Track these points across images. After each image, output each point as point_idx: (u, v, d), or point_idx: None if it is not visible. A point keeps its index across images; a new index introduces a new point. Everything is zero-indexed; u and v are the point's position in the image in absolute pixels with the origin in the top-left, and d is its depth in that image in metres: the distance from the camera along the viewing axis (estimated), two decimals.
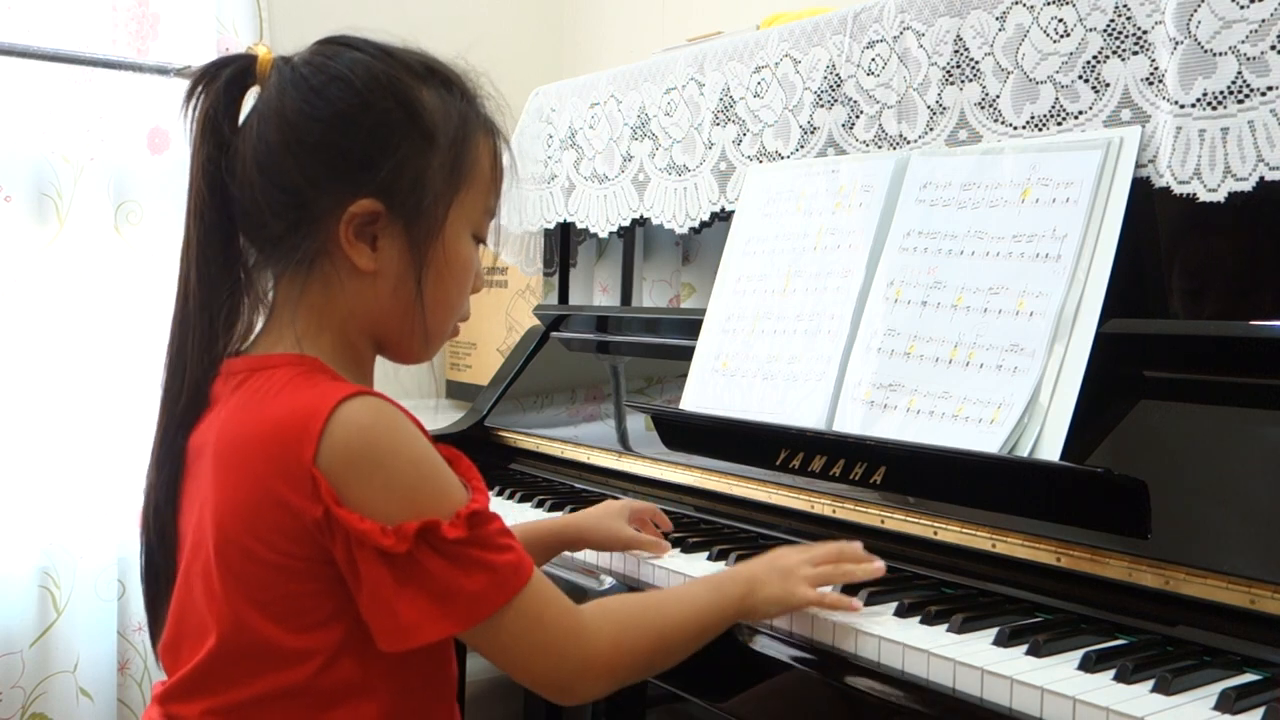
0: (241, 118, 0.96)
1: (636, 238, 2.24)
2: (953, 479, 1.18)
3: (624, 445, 1.67)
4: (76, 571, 2.14)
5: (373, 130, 0.92)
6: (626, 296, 2.27)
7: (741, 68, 1.68)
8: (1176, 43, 1.13)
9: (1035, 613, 1.07)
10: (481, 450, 1.88)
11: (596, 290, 2.38)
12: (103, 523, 2.16)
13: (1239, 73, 1.09)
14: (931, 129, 1.40)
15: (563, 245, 2.20)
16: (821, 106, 1.54)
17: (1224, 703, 0.85)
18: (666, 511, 1.38)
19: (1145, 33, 1.18)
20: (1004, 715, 0.90)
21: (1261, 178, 1.08)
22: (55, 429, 2.12)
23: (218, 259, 0.95)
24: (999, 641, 0.98)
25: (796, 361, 1.41)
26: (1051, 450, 1.11)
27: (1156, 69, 1.17)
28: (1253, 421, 1.03)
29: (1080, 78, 1.24)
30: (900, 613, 1.06)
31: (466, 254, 0.98)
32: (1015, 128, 1.31)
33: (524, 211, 2.15)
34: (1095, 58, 1.22)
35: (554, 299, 2.25)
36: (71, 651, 2.14)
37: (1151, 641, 0.99)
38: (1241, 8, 1.08)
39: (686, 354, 1.59)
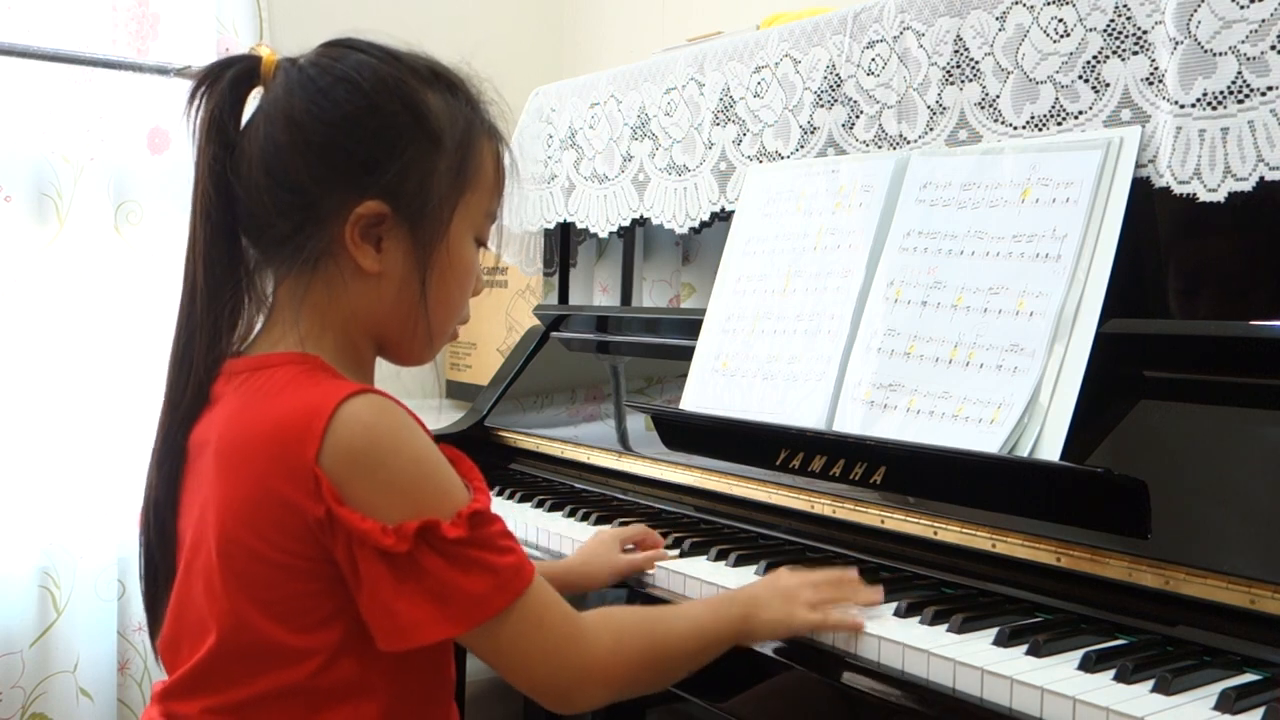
0: (244, 119, 0.96)
1: (636, 238, 2.24)
2: (953, 479, 1.18)
3: (624, 445, 1.67)
4: (76, 571, 2.14)
5: (380, 133, 0.92)
6: (626, 296, 2.27)
7: (741, 68, 1.68)
8: (1176, 43, 1.13)
9: (1035, 613, 1.07)
10: (481, 450, 1.88)
11: (596, 290, 2.38)
12: (103, 523, 2.16)
13: (1239, 73, 1.09)
14: (931, 129, 1.40)
15: (563, 245, 2.20)
16: (821, 106, 1.54)
17: (1224, 703, 0.85)
18: (666, 511, 1.38)
19: (1145, 33, 1.18)
20: (1004, 715, 0.90)
21: (1261, 178, 1.08)
22: (55, 429, 2.12)
23: (223, 260, 0.95)
24: (999, 641, 0.98)
25: (796, 361, 1.41)
26: (1051, 450, 1.11)
27: (1156, 69, 1.17)
28: (1253, 421, 1.03)
29: (1080, 78, 1.24)
30: (900, 613, 1.06)
31: (469, 256, 0.98)
32: (1015, 128, 1.31)
33: (524, 212, 2.15)
34: (1095, 58, 1.22)
35: (554, 299, 2.25)
36: (71, 651, 2.14)
37: (1151, 641, 0.99)
38: (1241, 8, 1.08)
39: (686, 354, 1.59)
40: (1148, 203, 1.20)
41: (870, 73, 1.47)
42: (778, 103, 1.61)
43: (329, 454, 0.85)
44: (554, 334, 2.04)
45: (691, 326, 1.62)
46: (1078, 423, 1.11)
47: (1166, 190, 1.15)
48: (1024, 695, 0.89)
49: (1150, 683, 0.88)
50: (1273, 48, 1.07)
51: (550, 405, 1.94)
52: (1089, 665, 0.92)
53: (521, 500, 1.65)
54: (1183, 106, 1.13)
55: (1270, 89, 1.07)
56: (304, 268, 0.94)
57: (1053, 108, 1.27)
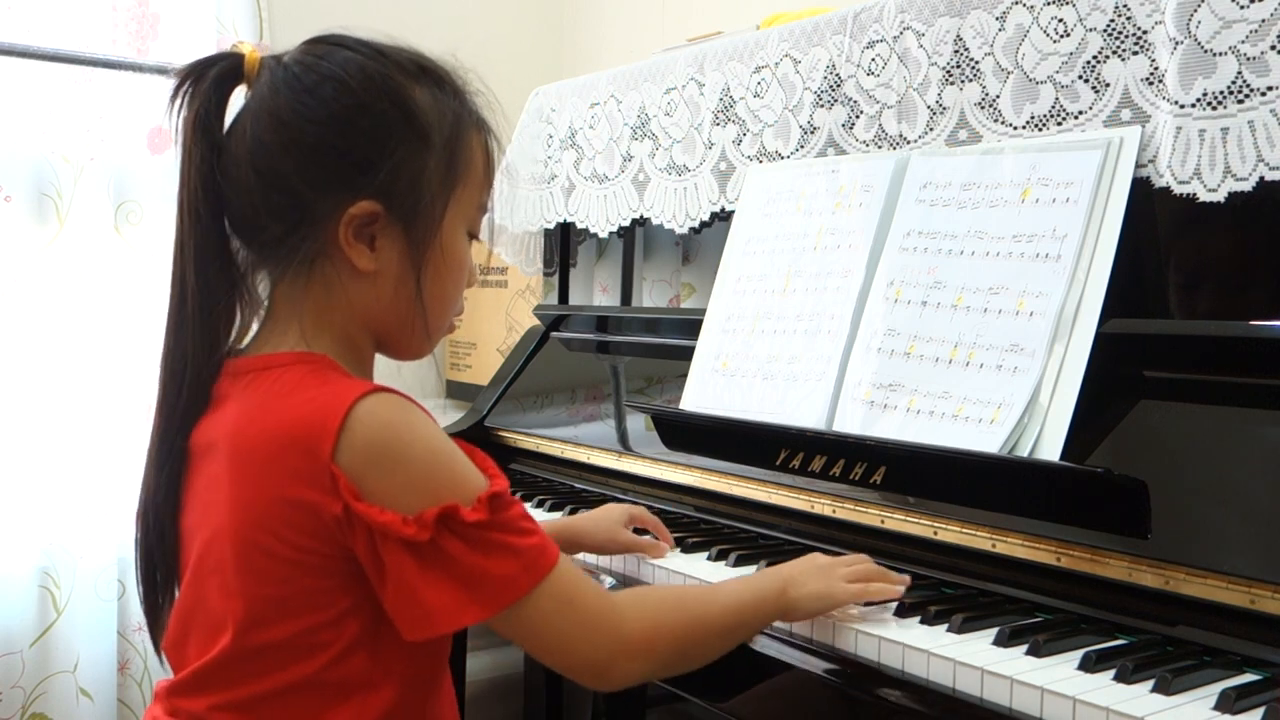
0: (228, 117, 0.96)
1: (636, 238, 2.24)
2: (953, 479, 1.18)
3: (624, 445, 1.67)
4: (76, 571, 2.14)
5: (370, 132, 0.92)
6: (626, 296, 2.27)
7: (741, 68, 1.68)
8: (1176, 43, 1.13)
9: (1035, 613, 1.07)
10: (481, 450, 1.88)
11: (596, 290, 2.37)
12: (103, 523, 2.16)
13: (1239, 73, 1.09)
14: (931, 129, 1.40)
15: (563, 245, 2.20)
16: (821, 106, 1.54)
17: (1224, 703, 0.85)
18: (666, 511, 1.38)
19: (1145, 33, 1.18)
20: (1004, 715, 0.90)
21: (1261, 178, 1.08)
22: (55, 429, 2.12)
23: (215, 260, 0.95)
24: (999, 641, 0.98)
25: (796, 361, 1.41)
26: (1051, 450, 1.11)
27: (1156, 69, 1.17)
28: (1253, 421, 1.03)
29: (1080, 78, 1.24)
30: (900, 613, 1.06)
31: (462, 250, 0.99)
32: (1015, 128, 1.31)
33: (524, 211, 2.15)
34: (1095, 58, 1.22)
35: (554, 299, 2.25)
36: (71, 651, 2.14)
37: (1151, 641, 0.99)
38: (1241, 8, 1.08)
39: (686, 354, 1.59)
40: (1148, 203, 1.20)
41: (870, 73, 1.47)
42: (778, 103, 1.61)
43: (345, 452, 0.85)
44: (554, 334, 2.04)
45: (691, 326, 1.62)
46: (1078, 423, 1.11)
47: (1166, 190, 1.15)
48: (1024, 695, 0.89)
49: (1150, 683, 0.88)
50: (1273, 48, 1.07)
51: (550, 405, 1.94)
52: (1089, 665, 0.92)
53: (522, 500, 1.65)
54: (1183, 106, 1.13)
55: (1270, 89, 1.07)
56: (300, 269, 0.94)
57: (1053, 108, 1.27)
